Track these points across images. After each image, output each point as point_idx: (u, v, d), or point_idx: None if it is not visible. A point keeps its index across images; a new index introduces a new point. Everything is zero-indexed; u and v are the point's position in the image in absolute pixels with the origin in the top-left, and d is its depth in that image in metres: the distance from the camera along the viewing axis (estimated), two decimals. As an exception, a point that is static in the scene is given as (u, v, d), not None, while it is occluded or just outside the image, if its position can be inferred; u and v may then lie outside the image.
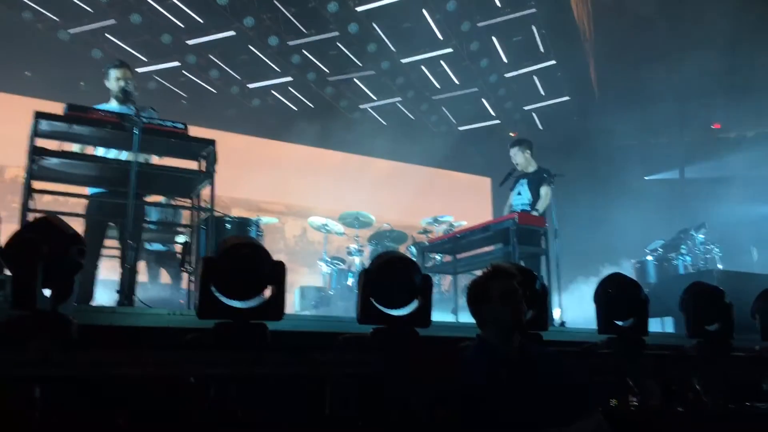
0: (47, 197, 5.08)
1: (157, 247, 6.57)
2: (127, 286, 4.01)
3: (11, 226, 2.59)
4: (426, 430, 2.58)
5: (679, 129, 12.81)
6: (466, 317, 3.42)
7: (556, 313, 5.87)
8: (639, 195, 11.83)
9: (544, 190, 6.43)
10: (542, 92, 12.08)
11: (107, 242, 4.99)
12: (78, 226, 4.34)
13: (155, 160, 4.81)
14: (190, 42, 9.95)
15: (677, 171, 13.34)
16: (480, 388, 2.54)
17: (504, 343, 2.71)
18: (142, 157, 4.30)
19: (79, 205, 4.88)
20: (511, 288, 2.71)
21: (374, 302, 2.90)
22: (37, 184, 4.09)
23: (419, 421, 2.62)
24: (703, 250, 8.27)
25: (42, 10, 9.01)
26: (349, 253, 8.89)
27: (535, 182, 6.57)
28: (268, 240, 8.72)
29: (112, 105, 4.88)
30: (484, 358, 2.68)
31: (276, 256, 2.72)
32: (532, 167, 6.71)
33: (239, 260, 2.61)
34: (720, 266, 8.07)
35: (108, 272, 5.06)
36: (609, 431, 2.62)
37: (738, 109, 11.67)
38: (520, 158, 6.71)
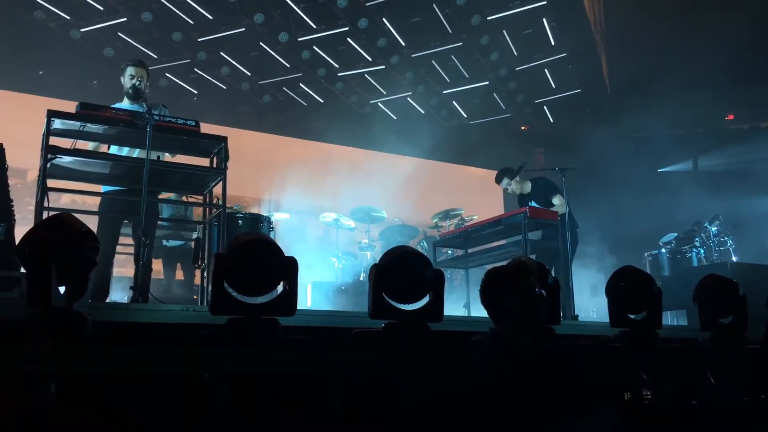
0: (65, 198, 5.12)
1: (173, 243, 6.62)
2: (141, 283, 4.04)
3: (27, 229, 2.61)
4: (438, 425, 2.58)
5: (692, 120, 12.70)
6: (478, 311, 3.42)
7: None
8: (652, 187, 11.77)
9: (557, 200, 6.42)
10: (553, 85, 12.02)
11: (123, 240, 5.04)
12: (93, 224, 4.39)
13: (166, 156, 4.85)
14: (201, 39, 9.98)
15: (690, 163, 13.24)
16: (492, 383, 2.54)
17: (518, 337, 2.70)
18: (154, 155, 4.32)
19: (95, 203, 4.93)
20: (533, 284, 2.70)
21: (386, 297, 2.90)
22: (51, 183, 4.13)
23: (432, 416, 2.63)
24: (717, 243, 8.21)
25: (54, 9, 9.06)
26: (361, 249, 8.90)
27: (540, 198, 6.58)
28: (287, 238, 8.76)
29: (125, 103, 4.92)
30: (496, 353, 2.68)
31: (290, 253, 2.73)
32: (527, 187, 6.75)
33: (251, 256, 2.62)
34: (734, 258, 8.01)
35: (128, 270, 5.11)
36: (621, 426, 2.62)
37: (752, 100, 11.56)
38: (515, 186, 6.76)
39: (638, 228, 9.61)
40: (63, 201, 6.85)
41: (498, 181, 6.92)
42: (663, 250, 8.62)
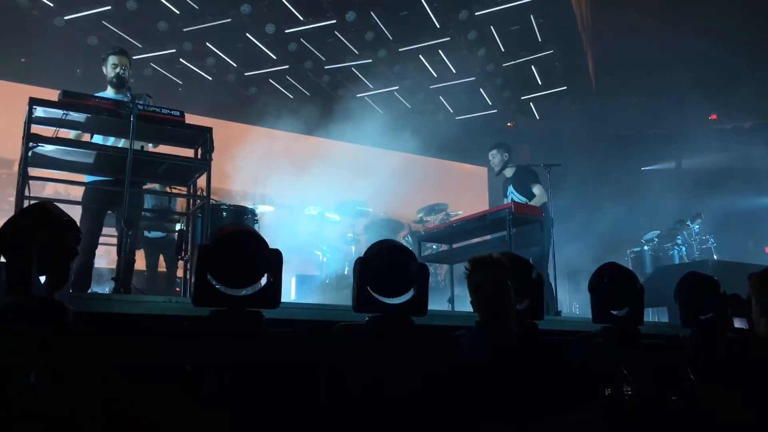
0: (48, 188, 5.02)
1: (156, 234, 6.56)
2: (123, 274, 4.01)
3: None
4: (422, 418, 2.59)
5: (676, 120, 12.82)
6: (462, 306, 3.43)
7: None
8: (636, 185, 11.86)
9: (537, 189, 6.45)
10: (540, 82, 12.06)
11: (106, 230, 5.00)
12: (77, 214, 4.34)
13: (148, 147, 4.81)
14: (187, 29, 9.89)
15: (674, 162, 13.36)
16: (477, 375, 2.55)
17: (500, 330, 2.72)
18: (137, 145, 4.28)
19: (78, 194, 4.87)
20: (492, 278, 2.73)
21: (370, 291, 2.90)
22: (33, 172, 4.08)
23: (416, 409, 2.64)
24: (699, 241, 8.32)
25: (37, -5, 8.95)
26: (346, 242, 8.89)
27: (519, 186, 6.60)
28: (271, 230, 8.73)
29: (108, 93, 4.87)
30: (480, 345, 2.70)
31: (274, 245, 2.72)
32: (510, 171, 6.75)
33: (235, 248, 2.60)
34: (715, 256, 8.10)
35: (111, 261, 5.05)
36: (603, 420, 2.64)
37: (735, 100, 11.67)
38: (500, 162, 6.75)
39: (621, 225, 9.69)
40: (47, 192, 6.77)
41: (490, 149, 6.89)
42: (645, 248, 8.71)
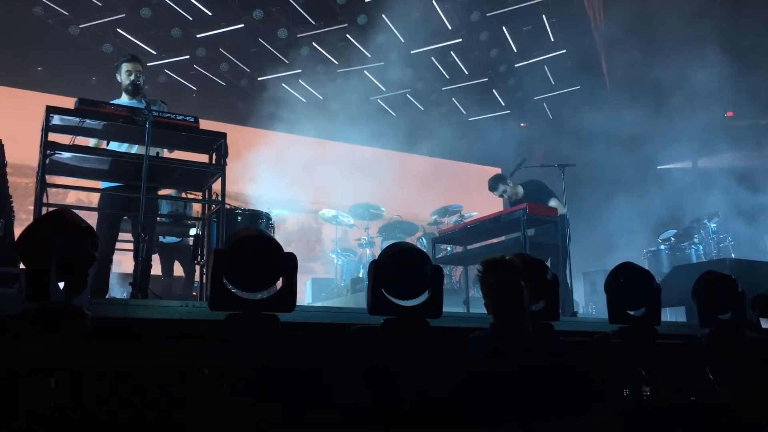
0: (71, 196, 5.03)
1: (170, 239, 6.61)
2: (140, 279, 4.04)
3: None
4: (437, 419, 2.59)
5: (691, 118, 12.70)
6: (477, 308, 3.42)
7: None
8: (651, 184, 11.77)
9: (554, 203, 6.40)
10: (552, 82, 12.01)
11: (123, 236, 5.04)
12: (94, 220, 4.39)
13: (165, 153, 4.85)
14: (200, 35, 9.98)
15: (690, 160, 13.24)
16: (490, 376, 2.55)
17: (514, 332, 2.71)
18: (153, 151, 4.32)
19: (96, 199, 4.92)
20: (504, 280, 2.73)
21: (385, 293, 2.90)
22: (51, 179, 4.13)
23: (430, 411, 2.63)
24: (716, 239, 8.23)
25: (52, 5, 9.06)
26: (360, 245, 8.90)
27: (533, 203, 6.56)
28: (286, 234, 8.76)
29: (123, 99, 4.92)
30: (494, 346, 2.69)
31: (289, 249, 2.73)
32: (519, 192, 6.69)
33: (250, 252, 2.62)
34: (733, 255, 8.02)
35: (127, 266, 5.09)
36: (616, 425, 2.62)
37: (751, 97, 11.54)
38: (510, 191, 6.68)
39: (638, 224, 9.62)
40: (69, 200, 6.82)
41: (493, 188, 6.80)
42: (662, 247, 8.64)
